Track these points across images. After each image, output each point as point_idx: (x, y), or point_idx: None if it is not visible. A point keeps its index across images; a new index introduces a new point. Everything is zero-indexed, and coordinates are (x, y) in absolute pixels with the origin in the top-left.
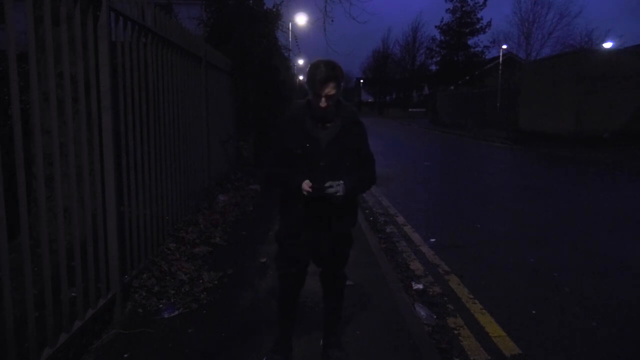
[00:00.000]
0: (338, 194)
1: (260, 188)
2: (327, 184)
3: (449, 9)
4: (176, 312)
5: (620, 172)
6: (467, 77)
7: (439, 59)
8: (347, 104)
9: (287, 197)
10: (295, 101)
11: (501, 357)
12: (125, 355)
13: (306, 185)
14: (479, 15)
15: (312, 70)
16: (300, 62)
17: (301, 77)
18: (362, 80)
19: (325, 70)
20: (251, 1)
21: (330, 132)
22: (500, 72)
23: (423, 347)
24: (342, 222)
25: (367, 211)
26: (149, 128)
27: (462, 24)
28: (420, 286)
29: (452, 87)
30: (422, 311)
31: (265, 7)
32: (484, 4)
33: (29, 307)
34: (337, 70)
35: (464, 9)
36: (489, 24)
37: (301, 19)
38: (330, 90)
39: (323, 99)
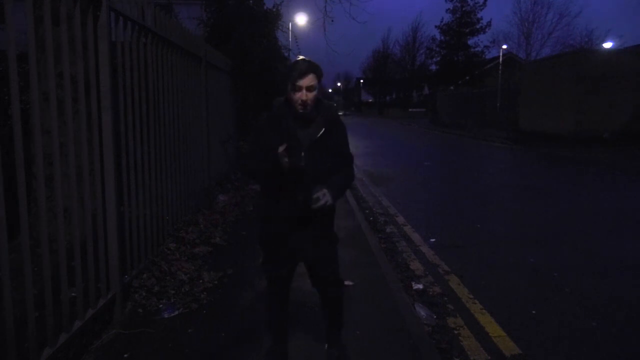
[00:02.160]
0: (328, 203)
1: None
2: (315, 196)
3: (449, 9)
4: (176, 312)
5: (620, 172)
6: (467, 77)
7: (439, 59)
8: (328, 103)
9: (267, 199)
10: (275, 99)
11: (501, 357)
12: (125, 355)
13: (282, 149)
14: (479, 15)
15: (292, 65)
16: None
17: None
18: (362, 80)
19: (304, 64)
20: (251, 1)
21: (311, 132)
22: (500, 72)
23: (423, 347)
24: (321, 221)
25: (367, 211)
26: (149, 128)
27: (462, 24)
28: (420, 286)
29: (452, 87)
30: (422, 311)
31: (265, 7)
32: (484, 4)
33: (29, 307)
34: (317, 67)
35: (464, 9)
36: (489, 24)
37: (301, 19)
38: (309, 81)
39: (304, 91)
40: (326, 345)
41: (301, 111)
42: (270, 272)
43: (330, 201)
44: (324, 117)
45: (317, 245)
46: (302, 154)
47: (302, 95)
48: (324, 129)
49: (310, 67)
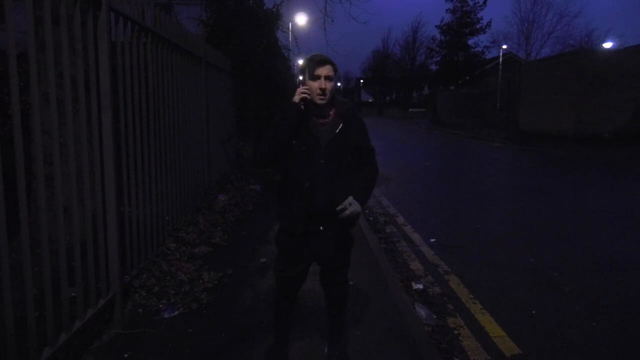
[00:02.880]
0: (356, 212)
1: (261, 187)
2: (339, 208)
3: (449, 9)
4: (176, 312)
5: (620, 172)
6: (467, 77)
7: (439, 58)
8: (345, 100)
9: (285, 195)
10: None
11: (501, 357)
12: (125, 355)
13: (297, 96)
14: (479, 15)
15: (309, 58)
16: (300, 62)
17: (301, 78)
18: (362, 80)
19: (322, 55)
20: (251, 1)
21: (329, 129)
22: (500, 72)
23: (423, 347)
24: (342, 221)
25: (367, 211)
26: (148, 128)
27: (462, 24)
28: (420, 286)
29: (452, 87)
30: (422, 311)
31: (265, 7)
32: (484, 4)
33: (29, 307)
34: (333, 62)
35: (464, 9)
36: (489, 24)
37: (301, 19)
38: (328, 71)
39: (322, 79)
40: (326, 347)
41: (319, 101)
42: (282, 271)
43: (358, 209)
44: (340, 112)
45: (334, 247)
46: (322, 151)
47: (321, 84)
48: (341, 125)
49: (328, 58)
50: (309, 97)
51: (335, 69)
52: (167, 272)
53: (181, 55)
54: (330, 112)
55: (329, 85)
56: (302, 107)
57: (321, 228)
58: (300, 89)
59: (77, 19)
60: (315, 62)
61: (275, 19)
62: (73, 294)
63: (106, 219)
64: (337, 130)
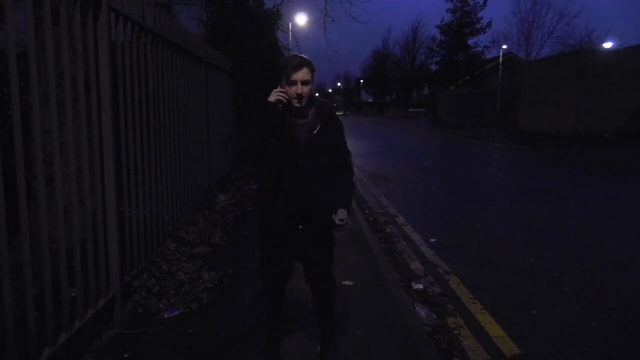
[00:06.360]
0: (347, 224)
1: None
2: (339, 223)
3: (449, 8)
4: (176, 312)
5: (620, 172)
6: (467, 77)
7: (439, 58)
8: (323, 100)
9: (265, 195)
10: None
11: (501, 357)
12: (125, 355)
13: (273, 97)
14: (479, 15)
15: (285, 60)
16: None
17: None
18: (362, 80)
19: (297, 58)
20: (251, 1)
21: (308, 130)
22: (500, 72)
23: (423, 347)
24: (320, 217)
25: (367, 211)
26: (148, 128)
27: (462, 24)
28: (420, 286)
29: (452, 87)
30: (422, 311)
31: (265, 7)
32: (484, 4)
33: (29, 307)
34: (310, 61)
35: (464, 8)
36: (489, 24)
37: (301, 19)
38: (304, 75)
39: (299, 84)
40: (319, 346)
41: (297, 105)
42: (267, 270)
43: (346, 217)
44: (320, 112)
45: (316, 245)
46: (301, 150)
47: (298, 89)
48: (320, 125)
49: (304, 61)
50: (284, 100)
51: (312, 70)
52: (167, 272)
53: (181, 56)
54: (310, 113)
55: (305, 89)
56: (280, 107)
57: (300, 227)
58: (277, 90)
59: (77, 19)
60: (291, 66)
61: (275, 19)
62: (73, 294)
63: (106, 219)
64: (315, 131)
